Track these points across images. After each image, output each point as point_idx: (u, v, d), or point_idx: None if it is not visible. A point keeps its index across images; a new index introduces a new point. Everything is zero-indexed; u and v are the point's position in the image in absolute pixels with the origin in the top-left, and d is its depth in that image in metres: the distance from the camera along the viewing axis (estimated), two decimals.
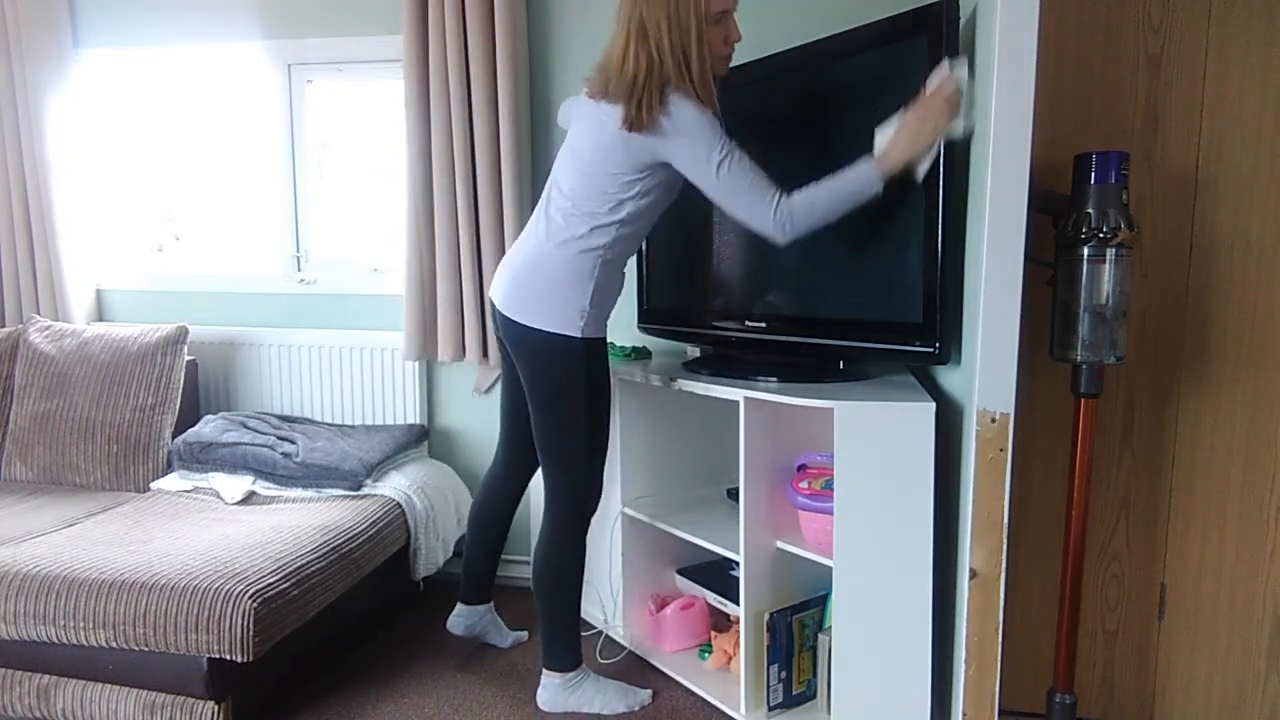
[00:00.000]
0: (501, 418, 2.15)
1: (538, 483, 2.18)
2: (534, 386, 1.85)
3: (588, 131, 1.79)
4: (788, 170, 1.99)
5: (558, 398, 1.83)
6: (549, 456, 1.90)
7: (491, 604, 2.31)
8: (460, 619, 2.27)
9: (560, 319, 1.79)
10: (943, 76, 1.60)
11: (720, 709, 1.99)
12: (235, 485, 2.39)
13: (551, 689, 1.99)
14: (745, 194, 1.67)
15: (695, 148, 1.67)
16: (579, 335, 1.80)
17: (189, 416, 2.69)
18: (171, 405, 2.56)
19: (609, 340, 2.59)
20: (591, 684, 2.00)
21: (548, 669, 1.99)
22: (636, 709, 2.00)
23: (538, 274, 1.81)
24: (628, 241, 1.83)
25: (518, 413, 2.07)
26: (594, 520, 2.38)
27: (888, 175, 1.64)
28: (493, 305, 1.92)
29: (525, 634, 2.37)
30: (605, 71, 1.77)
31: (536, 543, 1.96)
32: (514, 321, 1.83)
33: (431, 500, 2.50)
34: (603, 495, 1.99)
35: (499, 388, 2.11)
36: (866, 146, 1.81)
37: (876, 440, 1.68)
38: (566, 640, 1.97)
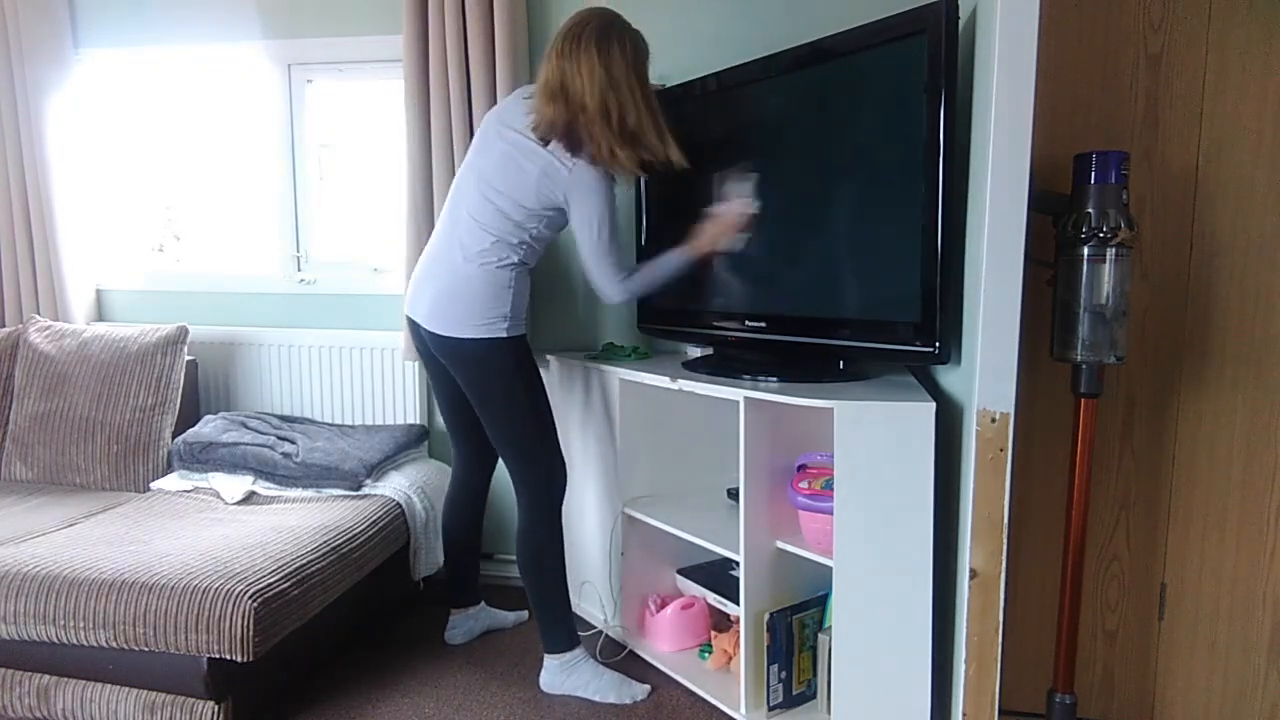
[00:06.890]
0: (446, 423, 2.27)
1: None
2: (476, 390, 2.01)
3: (501, 165, 1.96)
4: (785, 170, 1.99)
5: (499, 394, 2.00)
6: (505, 447, 2.04)
7: (483, 603, 2.40)
8: (457, 629, 2.34)
9: (487, 327, 1.96)
10: (739, 199, 2.04)
11: (720, 709, 1.99)
12: (235, 485, 2.39)
13: (551, 670, 2.09)
14: (606, 257, 1.95)
15: (591, 211, 1.92)
16: (505, 336, 1.97)
17: (189, 416, 2.69)
18: (171, 405, 2.56)
19: (609, 340, 2.61)
20: (589, 668, 2.07)
21: (547, 652, 2.09)
22: (628, 702, 2.03)
23: (460, 291, 1.96)
24: (535, 252, 2.04)
25: (459, 413, 2.21)
26: (594, 520, 2.39)
27: (693, 258, 2.06)
28: (413, 323, 2.06)
29: (525, 614, 2.47)
30: (549, 107, 1.90)
31: (516, 534, 2.07)
32: (445, 336, 1.98)
33: (431, 500, 2.50)
34: (568, 475, 2.13)
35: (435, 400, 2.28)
36: (863, 147, 1.81)
37: (876, 440, 1.68)
38: (558, 622, 2.07)
